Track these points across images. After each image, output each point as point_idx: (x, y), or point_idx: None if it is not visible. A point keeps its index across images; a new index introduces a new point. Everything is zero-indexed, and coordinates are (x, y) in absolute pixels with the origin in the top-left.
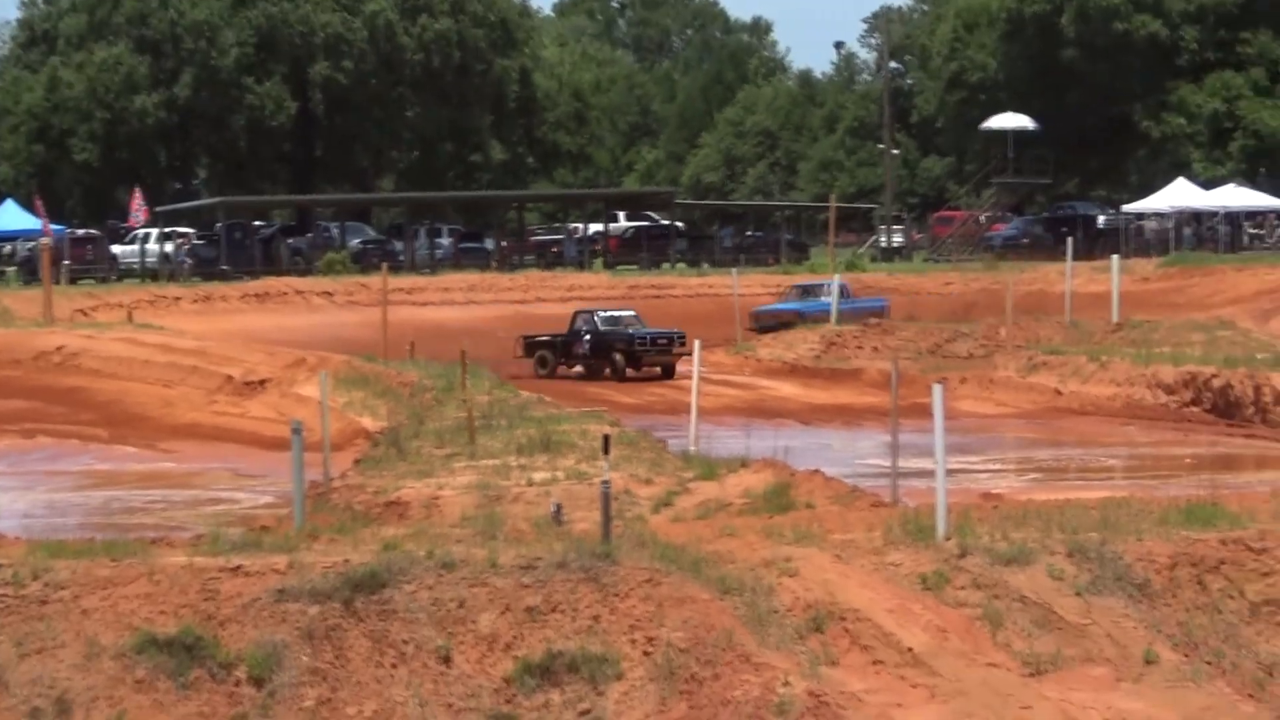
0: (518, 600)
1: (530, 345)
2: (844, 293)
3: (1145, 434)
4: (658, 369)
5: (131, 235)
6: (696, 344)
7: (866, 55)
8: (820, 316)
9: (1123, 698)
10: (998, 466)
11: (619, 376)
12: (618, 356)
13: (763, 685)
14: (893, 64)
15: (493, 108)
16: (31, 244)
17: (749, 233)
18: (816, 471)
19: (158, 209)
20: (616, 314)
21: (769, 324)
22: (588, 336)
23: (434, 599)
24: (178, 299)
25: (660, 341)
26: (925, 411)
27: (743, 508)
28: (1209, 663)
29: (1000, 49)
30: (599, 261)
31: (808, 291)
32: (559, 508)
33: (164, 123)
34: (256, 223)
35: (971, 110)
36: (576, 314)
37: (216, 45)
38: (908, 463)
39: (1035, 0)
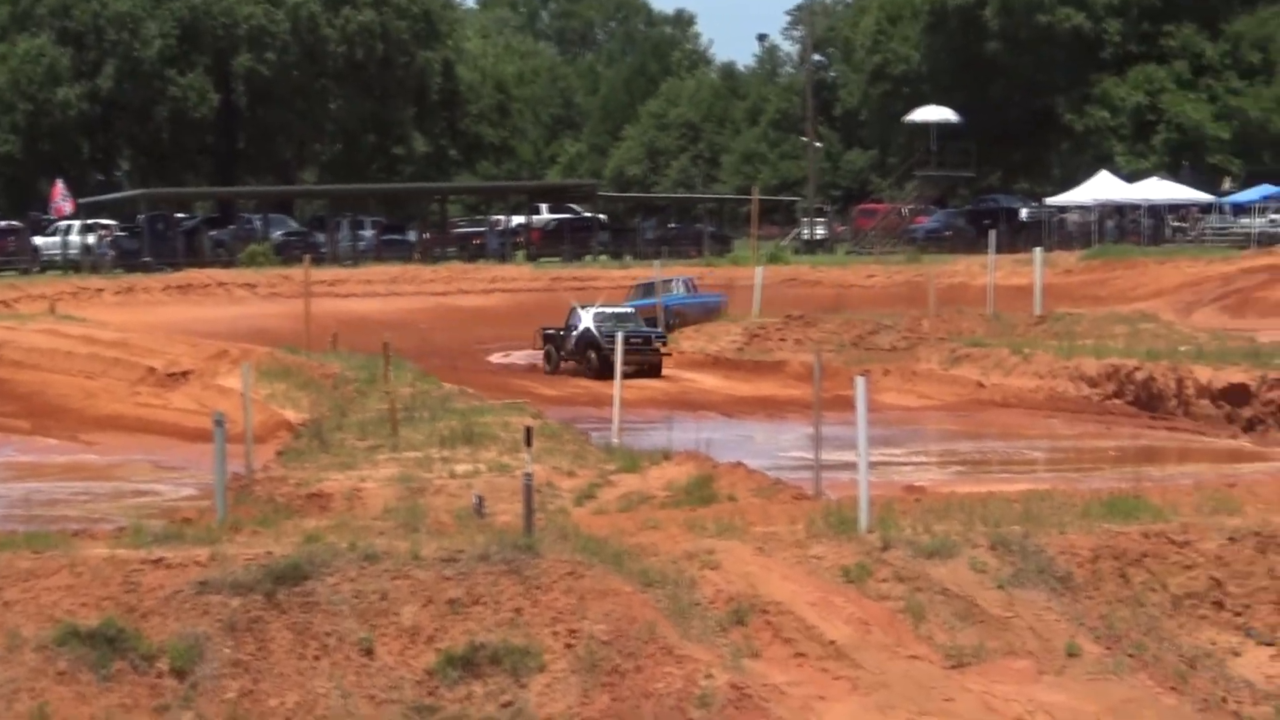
0: (440, 592)
1: (545, 338)
2: (689, 288)
3: (1068, 427)
4: (640, 368)
5: (53, 227)
6: (619, 335)
7: (789, 48)
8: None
9: (1045, 690)
10: (920, 459)
11: (594, 375)
12: (592, 354)
13: (685, 678)
14: (816, 57)
15: (415, 100)
16: None
17: (671, 225)
18: (739, 464)
19: (80, 201)
20: (608, 310)
21: None
22: (574, 332)
23: (356, 591)
24: (100, 291)
25: (634, 340)
26: (848, 404)
27: (665, 500)
28: (1131, 655)
29: (923, 42)
30: (521, 253)
31: (650, 289)
32: (481, 500)
33: (86, 114)
34: (179, 215)
35: (894, 103)
36: (571, 308)
37: (139, 37)
38: (830, 455)
39: None
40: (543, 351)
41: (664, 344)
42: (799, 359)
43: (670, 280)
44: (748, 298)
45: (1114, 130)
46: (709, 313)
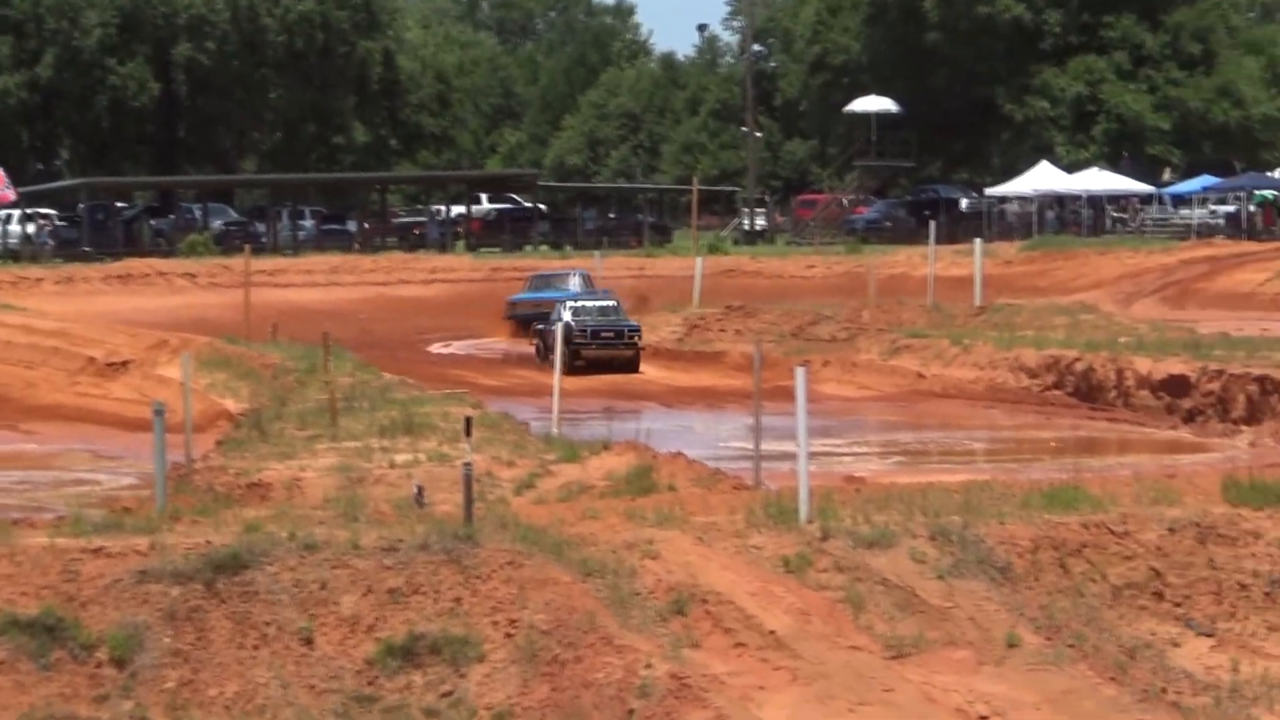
0: (380, 582)
1: (536, 332)
2: (587, 282)
3: (1008, 417)
4: (613, 362)
5: None
6: (559, 327)
7: (729, 38)
8: None
9: (984, 681)
10: (860, 450)
11: (566, 370)
12: (565, 350)
13: (625, 668)
14: (756, 47)
15: (356, 89)
16: None
17: (611, 215)
18: (679, 454)
19: (20, 190)
20: (589, 303)
21: (529, 313)
22: (554, 326)
23: (296, 580)
24: (39, 280)
25: (605, 335)
26: (788, 394)
27: (605, 490)
28: (1071, 646)
29: (863, 32)
30: (461, 243)
31: (547, 282)
32: (421, 490)
33: (26, 103)
34: (119, 204)
35: (835, 93)
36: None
37: (79, 26)
38: (770, 446)
39: None
40: (534, 346)
41: (639, 337)
42: (739, 349)
43: (568, 274)
44: (688, 288)
45: (1054, 121)
46: None
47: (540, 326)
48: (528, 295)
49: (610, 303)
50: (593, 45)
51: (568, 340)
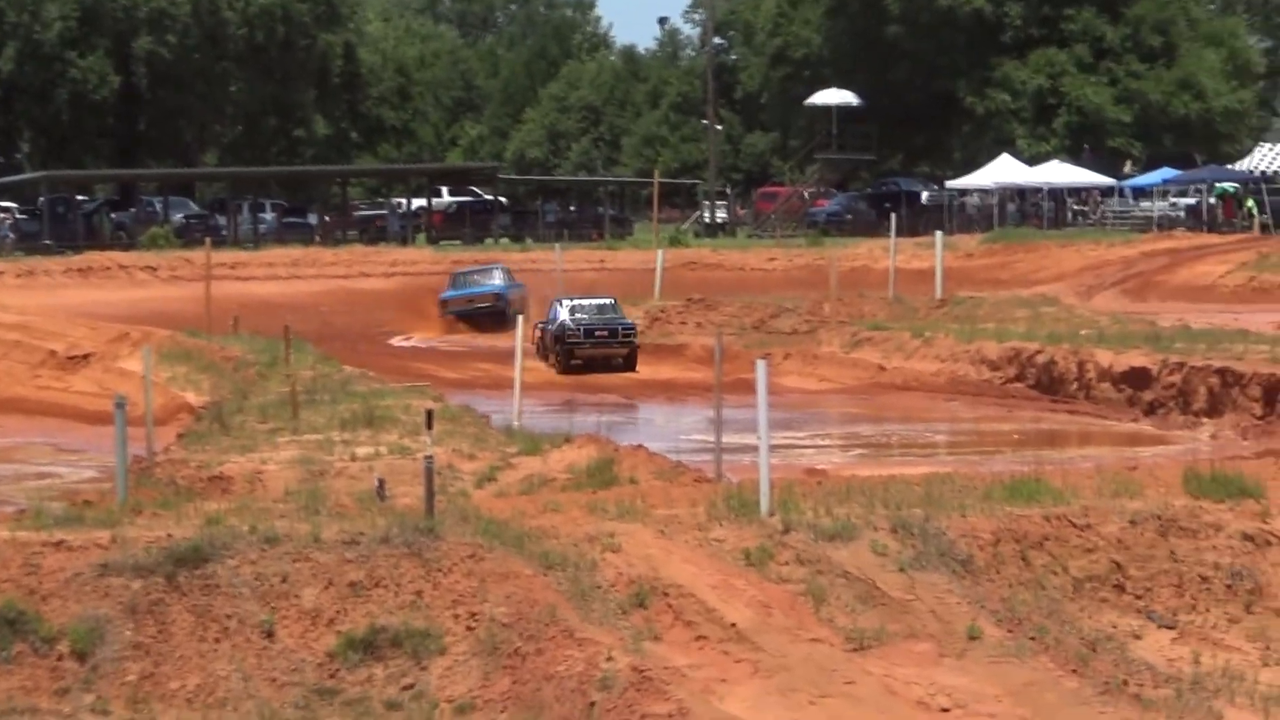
0: (341, 575)
1: (539, 331)
2: (508, 275)
3: (969, 410)
4: (610, 361)
5: None
6: (519, 319)
7: (690, 31)
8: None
9: (946, 673)
10: (821, 442)
11: (562, 369)
12: (559, 349)
13: (586, 660)
14: (717, 40)
15: (317, 83)
16: None
17: (572, 208)
18: (640, 447)
19: None
20: (585, 302)
21: (465, 309)
22: (551, 326)
23: (257, 574)
24: (0, 274)
25: (599, 333)
26: (749, 387)
27: (566, 483)
28: (1032, 638)
29: (824, 25)
30: (422, 236)
31: (468, 278)
32: (382, 483)
33: None
34: (80, 197)
35: (795, 86)
36: (552, 301)
37: (39, 19)
38: (731, 438)
39: None
40: (535, 346)
41: (635, 335)
42: (700, 342)
43: (491, 268)
44: (649, 281)
45: (1015, 113)
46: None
47: (540, 325)
48: (457, 292)
49: (607, 300)
50: (553, 38)
51: (562, 339)
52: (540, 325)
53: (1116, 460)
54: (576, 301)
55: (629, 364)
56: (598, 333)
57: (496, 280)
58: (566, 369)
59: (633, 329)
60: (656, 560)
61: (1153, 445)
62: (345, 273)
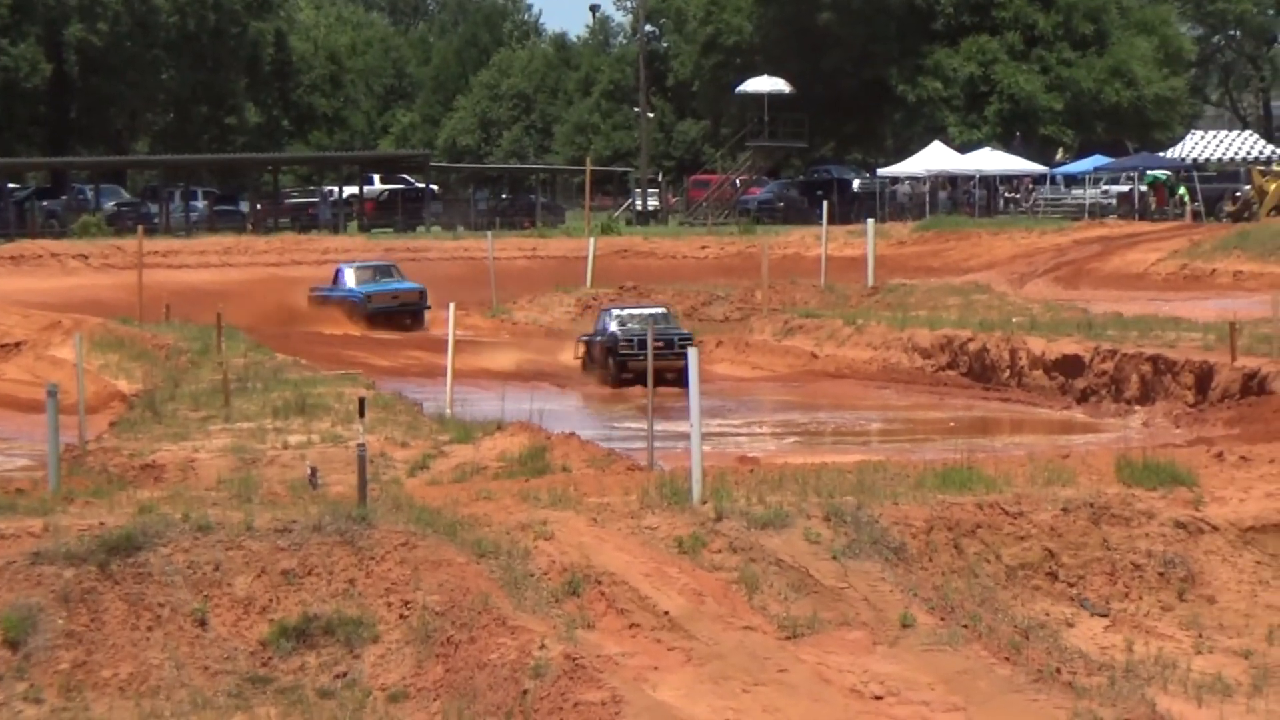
0: (273, 563)
1: (585, 345)
2: (392, 273)
3: (901, 397)
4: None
5: None
6: (450, 306)
7: (621, 19)
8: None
9: (879, 661)
10: (754, 430)
11: (613, 383)
12: (610, 362)
13: (519, 648)
14: (648, 27)
15: (248, 70)
16: None
17: (504, 196)
18: (572, 435)
19: None
20: (636, 311)
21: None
22: (599, 338)
23: (190, 562)
24: None
25: (656, 345)
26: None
27: (498, 471)
28: (965, 626)
29: (756, 12)
30: (354, 224)
31: (370, 273)
32: (314, 471)
33: None
34: (11, 185)
35: (727, 73)
36: (601, 311)
37: None
38: (664, 426)
39: None
40: (580, 360)
41: (685, 347)
42: None
43: (384, 265)
44: (581, 269)
45: (947, 101)
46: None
47: (585, 337)
48: (336, 291)
49: (660, 309)
50: (485, 26)
51: (613, 351)
52: (586, 338)
53: (1049, 448)
54: (627, 311)
55: (684, 379)
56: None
57: (394, 277)
58: (618, 382)
59: (690, 339)
60: (589, 548)
61: (1085, 433)
62: (277, 260)
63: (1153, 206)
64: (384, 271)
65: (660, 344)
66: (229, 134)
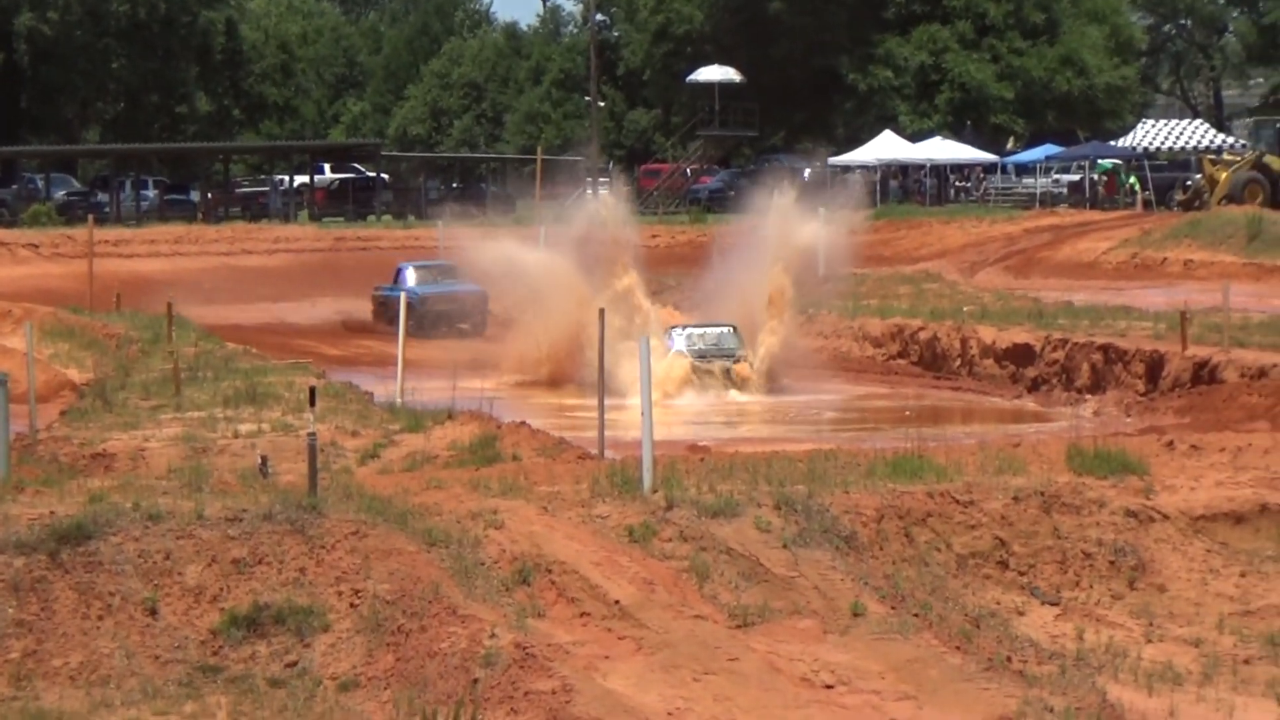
0: (224, 552)
1: None
2: (454, 273)
3: (852, 386)
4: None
5: None
6: (402, 295)
7: (572, 7)
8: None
9: (830, 650)
10: (705, 419)
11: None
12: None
13: (469, 637)
14: (599, 16)
15: (198, 59)
16: None
17: (455, 185)
18: (523, 423)
19: None
20: (701, 329)
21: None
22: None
23: (140, 551)
24: None
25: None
26: None
27: (449, 460)
28: (916, 615)
29: (706, 1)
30: (305, 213)
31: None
32: (265, 460)
33: None
34: None
35: (678, 63)
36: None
37: None
38: (615, 415)
39: None
40: None
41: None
42: None
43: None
44: None
45: (898, 90)
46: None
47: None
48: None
49: (725, 328)
50: (435, 15)
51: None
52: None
53: (1000, 437)
54: (692, 330)
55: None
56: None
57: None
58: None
59: (743, 358)
60: (540, 537)
61: (1036, 422)
62: (228, 250)
63: (1102, 196)
64: (445, 272)
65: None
66: (180, 123)
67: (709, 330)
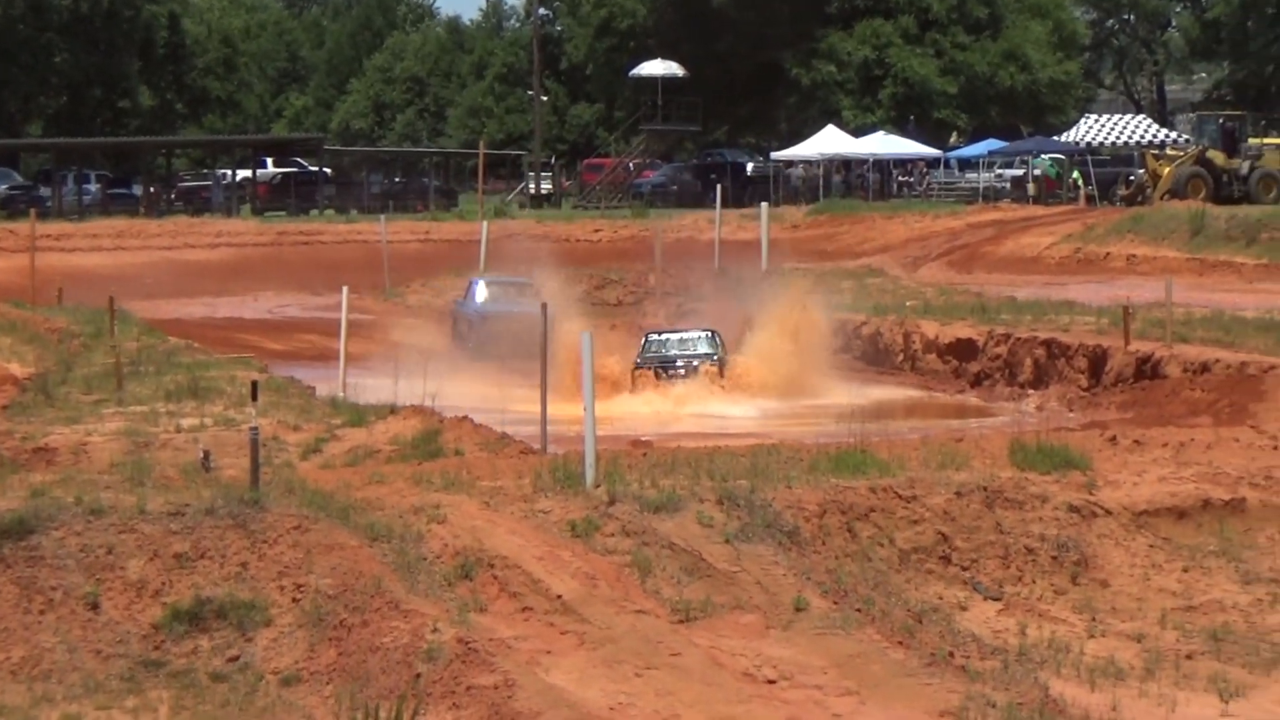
0: (166, 547)
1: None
2: (526, 292)
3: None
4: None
5: None
6: (344, 289)
7: (515, 2)
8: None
9: (772, 645)
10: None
11: None
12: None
13: (412, 632)
14: (542, 10)
15: (141, 53)
16: None
17: (397, 179)
18: (465, 418)
19: None
20: (677, 335)
21: None
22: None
23: (82, 545)
24: None
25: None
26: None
27: (391, 454)
28: (859, 610)
29: None
30: (247, 207)
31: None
32: (207, 454)
33: None
34: None
35: (621, 57)
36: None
37: None
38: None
39: None
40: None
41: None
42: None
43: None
44: (474, 253)
45: (840, 85)
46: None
47: (637, 363)
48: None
49: (699, 333)
50: (378, 9)
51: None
52: (637, 363)
53: (943, 432)
54: (660, 336)
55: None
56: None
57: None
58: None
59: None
60: (482, 532)
61: (979, 417)
62: (170, 244)
63: (1031, 193)
64: (517, 290)
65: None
66: (122, 117)
67: (685, 336)
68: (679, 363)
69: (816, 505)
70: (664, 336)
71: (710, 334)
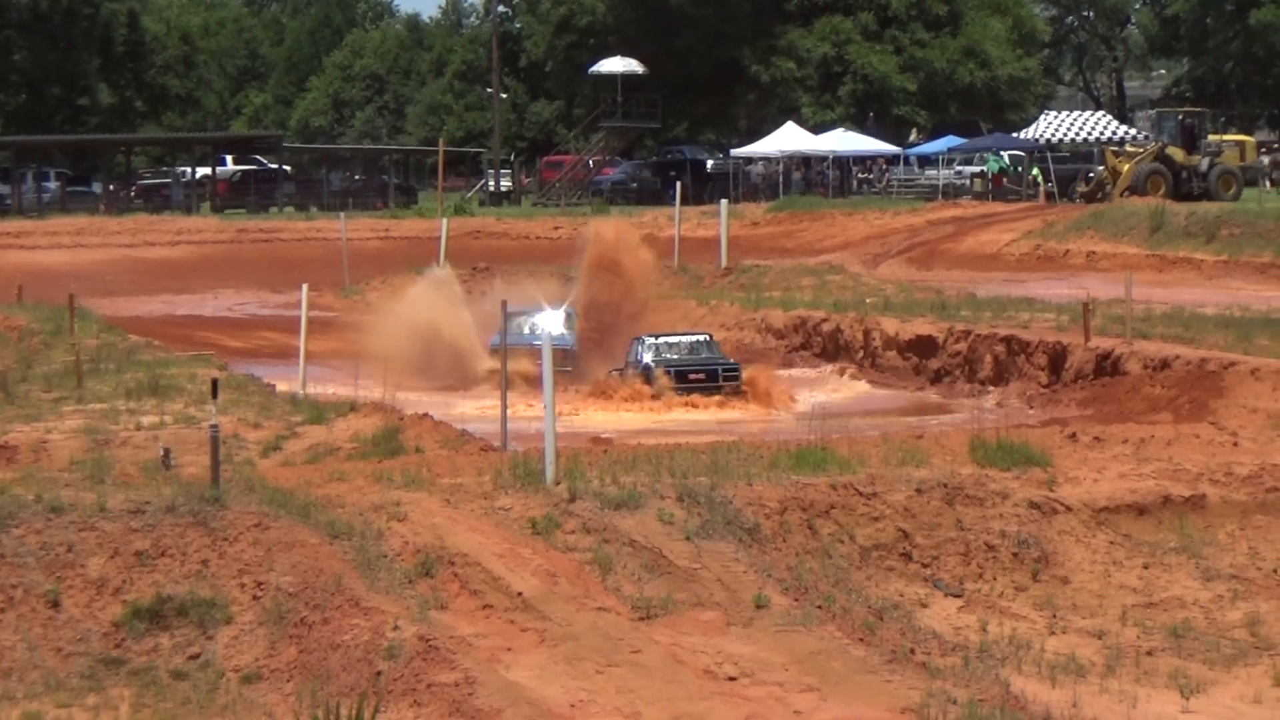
0: (126, 544)
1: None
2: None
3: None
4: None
5: None
6: (304, 287)
7: None
8: None
9: (733, 642)
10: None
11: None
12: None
13: (372, 629)
14: (501, 7)
15: (100, 51)
16: None
17: (357, 176)
18: (426, 415)
19: None
20: (671, 340)
21: None
22: (632, 370)
23: (42, 543)
24: None
25: (693, 377)
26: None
27: (352, 452)
28: (819, 607)
29: None
30: (207, 205)
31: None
32: (167, 452)
33: None
34: None
35: (580, 54)
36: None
37: None
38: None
39: None
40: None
41: (738, 375)
42: (485, 311)
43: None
44: (433, 250)
45: (800, 81)
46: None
47: (615, 370)
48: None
49: (701, 337)
50: (337, 6)
51: (649, 384)
52: (616, 371)
53: (903, 429)
54: (663, 339)
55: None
56: (691, 376)
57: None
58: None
59: (736, 370)
60: (443, 529)
61: (939, 414)
62: (130, 241)
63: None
64: (692, 349)
65: (701, 375)
66: (82, 115)
67: (681, 339)
68: (694, 375)
69: (777, 502)
70: (663, 339)
71: (709, 337)
